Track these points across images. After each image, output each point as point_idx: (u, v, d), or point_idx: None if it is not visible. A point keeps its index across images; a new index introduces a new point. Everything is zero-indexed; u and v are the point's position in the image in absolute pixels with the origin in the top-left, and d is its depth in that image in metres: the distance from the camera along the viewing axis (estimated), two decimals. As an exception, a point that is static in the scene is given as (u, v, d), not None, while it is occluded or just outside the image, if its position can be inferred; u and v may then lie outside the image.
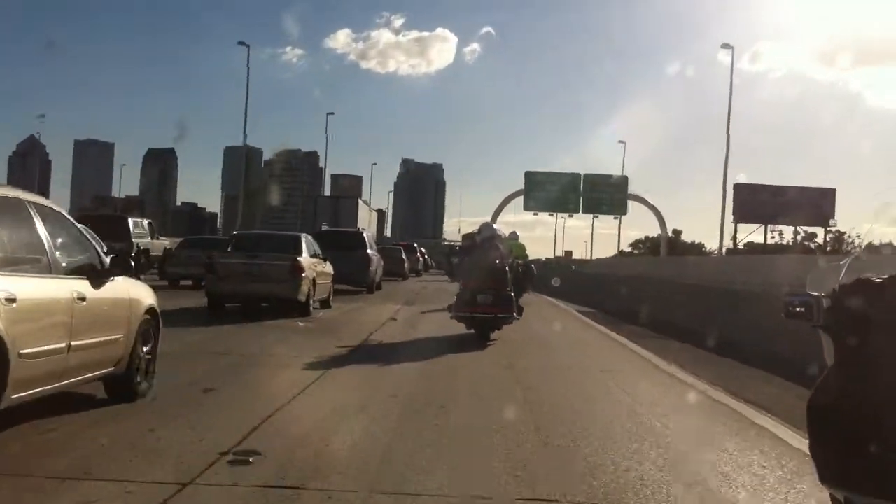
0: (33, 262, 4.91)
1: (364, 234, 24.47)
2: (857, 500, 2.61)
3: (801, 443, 4.91)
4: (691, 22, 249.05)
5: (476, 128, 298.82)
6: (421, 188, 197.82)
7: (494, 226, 12.78)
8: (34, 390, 4.66)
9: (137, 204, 67.66)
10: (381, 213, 65.49)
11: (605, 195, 52.27)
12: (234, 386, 7.05)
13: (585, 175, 52.73)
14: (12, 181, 36.27)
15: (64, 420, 5.20)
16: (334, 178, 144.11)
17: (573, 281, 29.38)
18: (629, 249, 68.24)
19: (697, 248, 63.58)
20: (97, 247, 5.82)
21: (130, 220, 23.62)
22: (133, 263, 6.44)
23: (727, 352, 10.48)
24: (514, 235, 16.21)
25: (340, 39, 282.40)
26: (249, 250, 15.00)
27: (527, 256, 17.10)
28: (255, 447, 4.68)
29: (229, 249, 15.58)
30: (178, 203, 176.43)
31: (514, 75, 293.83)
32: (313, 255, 15.42)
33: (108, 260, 5.75)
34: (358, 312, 15.85)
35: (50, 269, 4.97)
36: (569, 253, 68.26)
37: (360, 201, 41.42)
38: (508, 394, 7.22)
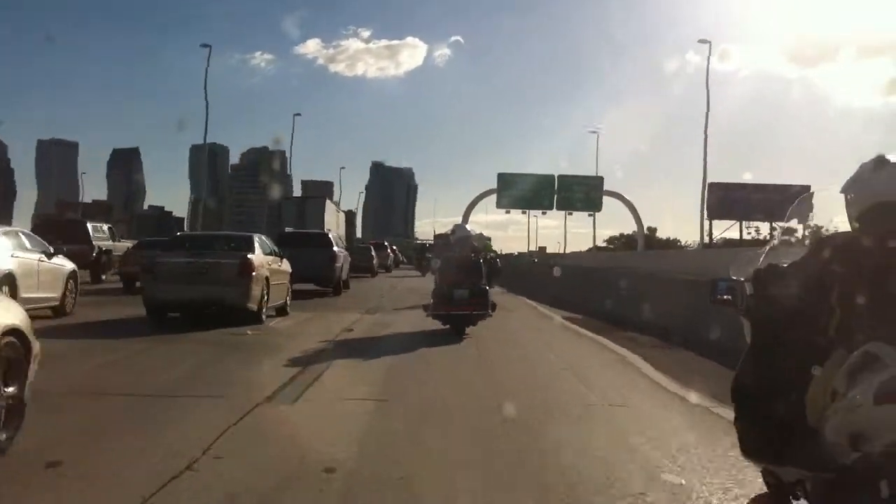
0: None
1: (329, 235, 23.66)
2: (773, 470, 2.85)
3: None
4: (662, 21, 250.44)
5: (448, 130, 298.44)
6: (392, 192, 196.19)
7: (467, 226, 13.15)
8: None
9: (106, 209, 65.02)
10: (351, 215, 63.82)
11: (580, 193, 51.43)
12: (94, 457, 4.68)
13: (560, 176, 51.94)
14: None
15: None
16: (304, 183, 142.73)
17: (526, 276, 27.71)
18: (604, 245, 67.70)
19: (673, 244, 63.21)
20: None
21: (90, 225, 25.18)
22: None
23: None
24: (485, 237, 15.65)
25: (311, 47, 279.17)
26: (196, 249, 13.53)
27: (495, 252, 16.61)
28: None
29: (170, 249, 14.08)
30: (146, 207, 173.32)
31: (483, 78, 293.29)
32: (268, 253, 14.05)
33: None
34: (317, 322, 13.61)
35: None
36: (542, 248, 67.08)
37: (327, 202, 39.62)
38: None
